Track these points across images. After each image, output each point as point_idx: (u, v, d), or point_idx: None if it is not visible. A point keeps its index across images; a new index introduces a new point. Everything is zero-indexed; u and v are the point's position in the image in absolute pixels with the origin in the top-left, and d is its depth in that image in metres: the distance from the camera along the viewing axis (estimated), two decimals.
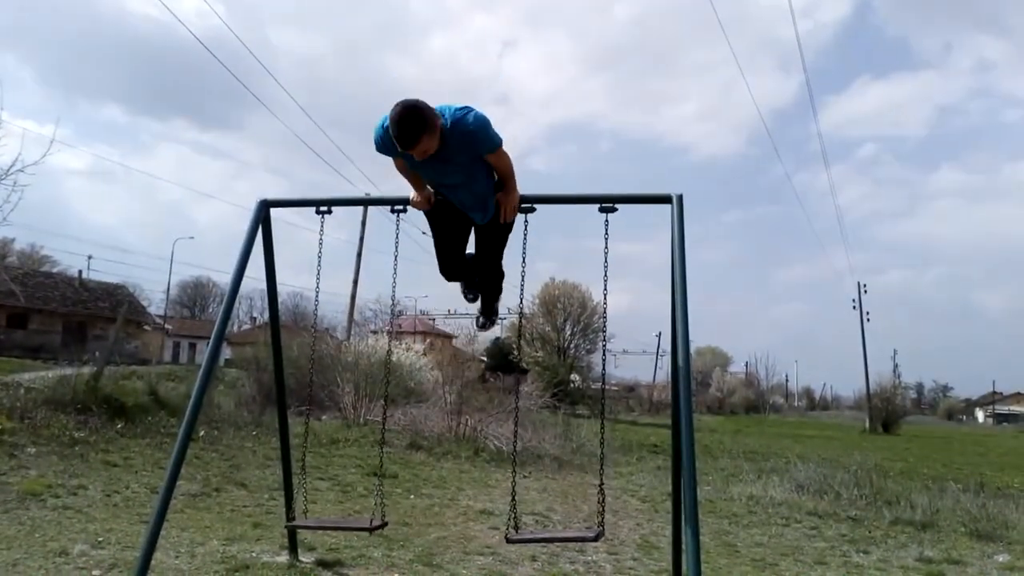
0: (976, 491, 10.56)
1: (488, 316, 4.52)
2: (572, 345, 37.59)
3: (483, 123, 3.34)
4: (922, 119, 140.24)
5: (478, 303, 4.44)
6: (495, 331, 41.91)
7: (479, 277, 4.21)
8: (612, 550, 5.81)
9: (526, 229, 3.88)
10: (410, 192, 3.85)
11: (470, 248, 4.09)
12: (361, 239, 28.79)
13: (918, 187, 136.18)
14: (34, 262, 44.07)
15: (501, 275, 4.19)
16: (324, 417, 13.40)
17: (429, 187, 3.82)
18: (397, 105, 3.12)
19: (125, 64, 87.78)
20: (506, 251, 4.02)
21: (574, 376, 35.00)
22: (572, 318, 37.38)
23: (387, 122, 3.23)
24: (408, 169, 3.71)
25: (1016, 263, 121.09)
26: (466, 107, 3.35)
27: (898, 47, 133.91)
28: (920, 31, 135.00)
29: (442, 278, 4.18)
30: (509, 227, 3.88)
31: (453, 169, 3.48)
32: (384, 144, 3.43)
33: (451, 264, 4.08)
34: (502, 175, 3.67)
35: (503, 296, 4.46)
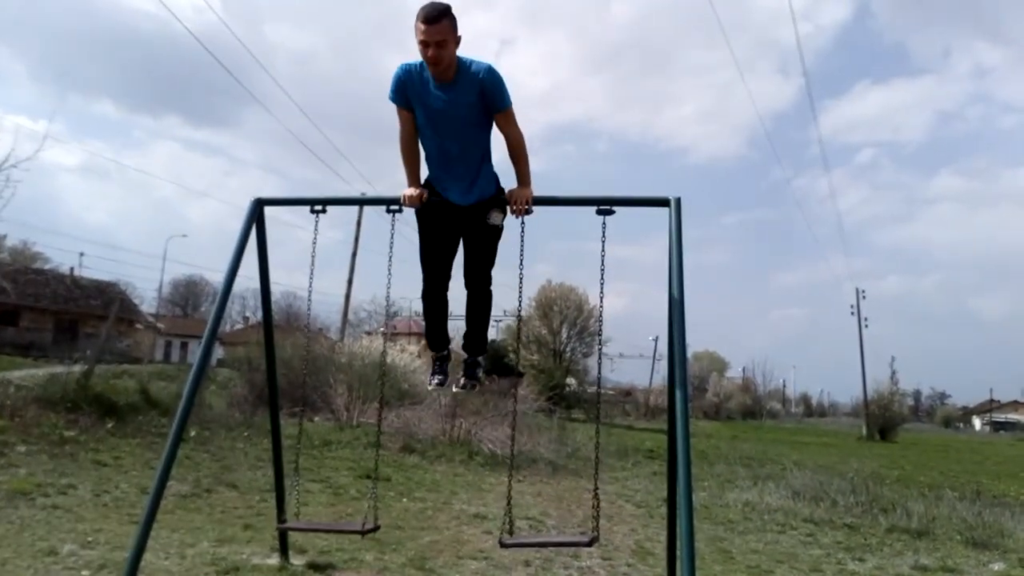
0: (973, 499, 10.54)
1: (472, 374, 4.07)
2: (568, 348, 37.56)
3: (500, 76, 3.49)
4: (921, 124, 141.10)
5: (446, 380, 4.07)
6: (491, 333, 41.85)
7: (468, 304, 3.91)
8: (606, 556, 5.77)
9: (523, 231, 3.85)
10: (404, 190, 3.82)
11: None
12: (356, 239, 28.69)
13: (917, 192, 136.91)
14: (26, 259, 43.75)
15: (489, 298, 3.90)
16: (316, 418, 13.34)
17: (425, 190, 3.77)
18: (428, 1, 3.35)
19: (118, 59, 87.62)
20: (503, 253, 3.91)
21: (570, 380, 34.94)
22: (568, 321, 37.35)
23: (406, 63, 3.51)
24: (413, 143, 3.69)
25: (1014, 270, 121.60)
26: (487, 63, 3.51)
27: (897, 52, 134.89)
28: (919, 36, 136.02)
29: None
30: (497, 234, 3.80)
31: (460, 106, 3.51)
32: (400, 84, 3.56)
33: (437, 283, 3.87)
34: (514, 150, 3.67)
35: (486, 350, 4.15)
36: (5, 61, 74.56)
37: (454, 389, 4.10)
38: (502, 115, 3.58)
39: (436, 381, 4.05)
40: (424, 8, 3.31)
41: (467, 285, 3.87)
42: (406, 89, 3.57)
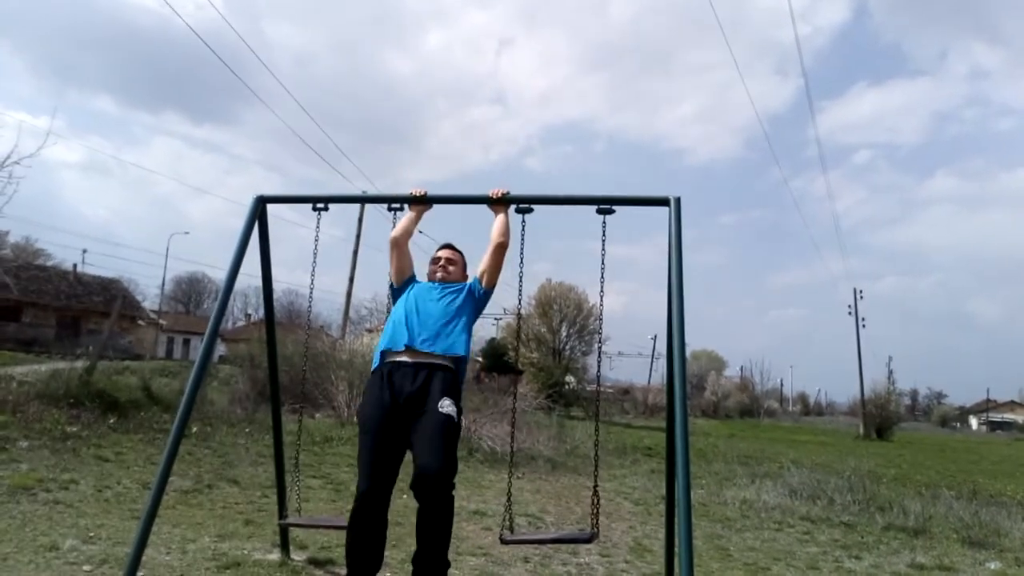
0: (969, 498, 10.58)
1: None
2: (567, 347, 37.61)
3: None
4: (917, 126, 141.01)
5: None
6: (491, 331, 41.86)
7: (419, 518, 3.22)
8: (605, 552, 5.80)
9: (523, 230, 3.90)
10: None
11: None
12: (357, 237, 28.73)
13: (913, 194, 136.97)
14: (29, 255, 43.88)
15: (450, 515, 3.26)
16: (318, 415, 13.39)
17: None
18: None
19: (118, 55, 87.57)
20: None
21: (569, 378, 35.01)
22: (568, 320, 37.41)
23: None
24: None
25: (1010, 271, 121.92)
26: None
27: (894, 53, 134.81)
28: (916, 38, 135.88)
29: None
30: (454, 427, 3.29)
31: (448, 294, 3.80)
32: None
33: (374, 512, 3.21)
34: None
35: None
36: (5, 57, 74.60)
37: None
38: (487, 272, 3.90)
39: None
40: (444, 246, 4.09)
41: (417, 495, 3.16)
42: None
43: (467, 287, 3.85)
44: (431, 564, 3.26)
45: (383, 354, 3.59)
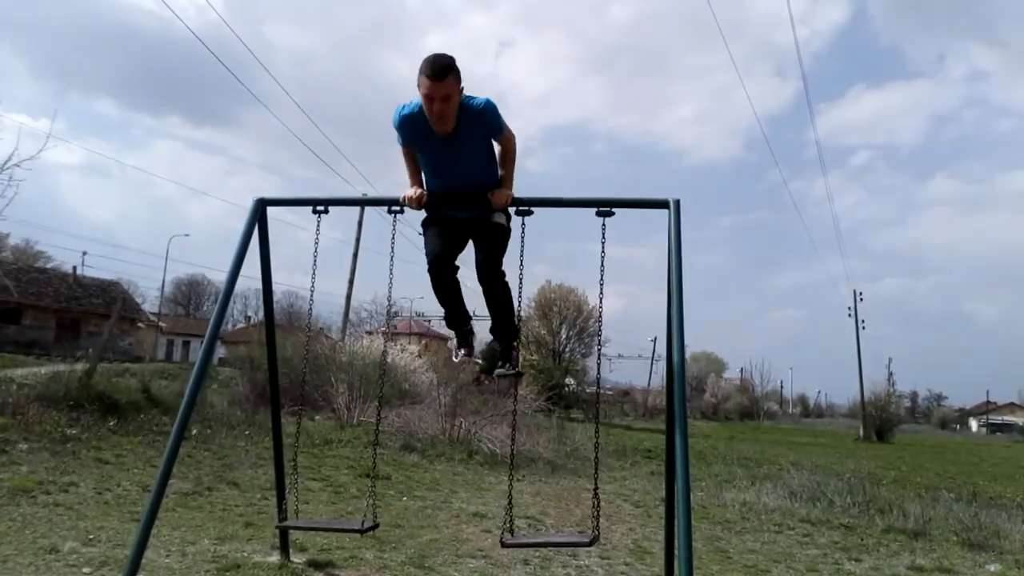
0: (969, 500, 10.59)
1: (507, 357, 4.00)
2: (567, 348, 37.59)
3: (492, 107, 3.54)
4: (916, 127, 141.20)
5: (471, 353, 4.13)
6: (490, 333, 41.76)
7: (487, 299, 3.91)
8: (604, 555, 5.80)
9: (523, 231, 3.88)
10: (405, 191, 3.90)
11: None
12: (357, 239, 28.72)
13: (912, 195, 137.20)
14: (28, 257, 43.89)
15: (506, 287, 3.90)
16: (317, 417, 13.37)
17: (425, 187, 3.88)
18: (432, 54, 3.39)
19: (119, 57, 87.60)
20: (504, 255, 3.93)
21: (569, 380, 34.95)
22: (568, 322, 37.38)
23: (406, 107, 3.56)
24: (414, 155, 3.81)
25: (1009, 273, 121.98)
26: (483, 98, 3.55)
27: (893, 56, 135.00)
28: (914, 40, 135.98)
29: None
30: (503, 232, 3.81)
31: (463, 146, 3.62)
32: (402, 130, 3.66)
33: (443, 260, 3.80)
34: (504, 154, 3.75)
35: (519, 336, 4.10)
36: (5, 60, 74.63)
37: (496, 371, 4.00)
38: (500, 138, 3.71)
39: (462, 353, 4.05)
40: (429, 63, 3.32)
41: (481, 281, 3.89)
42: (408, 134, 3.67)
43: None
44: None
45: None
